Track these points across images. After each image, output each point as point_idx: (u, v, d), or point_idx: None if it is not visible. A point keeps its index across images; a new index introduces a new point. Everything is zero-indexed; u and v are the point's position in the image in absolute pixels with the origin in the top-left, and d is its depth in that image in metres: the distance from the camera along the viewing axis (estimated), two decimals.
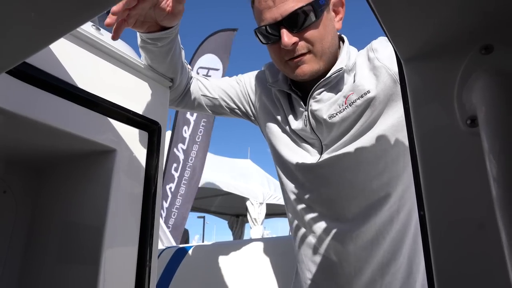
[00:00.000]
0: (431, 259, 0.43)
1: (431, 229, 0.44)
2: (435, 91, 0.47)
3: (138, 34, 0.95)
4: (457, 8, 0.41)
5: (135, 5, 0.82)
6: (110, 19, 0.79)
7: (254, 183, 7.00)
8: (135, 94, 0.90)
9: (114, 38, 0.82)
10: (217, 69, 4.55)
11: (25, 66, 0.67)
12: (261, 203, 6.80)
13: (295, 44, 0.95)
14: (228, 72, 5.47)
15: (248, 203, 6.72)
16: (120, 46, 0.88)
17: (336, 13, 1.03)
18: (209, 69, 4.55)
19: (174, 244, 3.21)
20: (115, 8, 0.79)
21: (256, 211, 6.70)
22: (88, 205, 0.82)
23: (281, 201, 7.34)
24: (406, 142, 0.99)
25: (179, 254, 1.81)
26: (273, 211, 7.74)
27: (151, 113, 0.91)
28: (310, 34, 0.96)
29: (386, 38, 0.99)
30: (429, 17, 0.42)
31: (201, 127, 4.51)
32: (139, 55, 0.97)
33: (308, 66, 0.99)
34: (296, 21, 0.94)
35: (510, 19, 0.39)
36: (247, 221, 7.35)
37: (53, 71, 0.71)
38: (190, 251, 1.80)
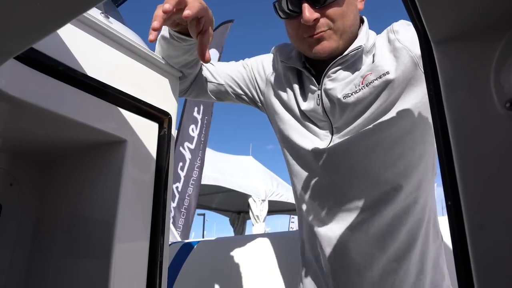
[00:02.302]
0: (469, 255, 0.40)
1: (469, 226, 0.40)
2: (469, 73, 0.44)
3: (167, 28, 0.93)
4: None
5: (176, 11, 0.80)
6: (153, 35, 0.77)
7: (256, 180, 6.97)
8: (145, 84, 0.87)
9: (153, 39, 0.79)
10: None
11: (34, 52, 0.64)
12: (263, 200, 6.79)
13: (317, 20, 0.92)
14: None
15: (250, 200, 6.70)
16: (130, 36, 0.85)
17: None
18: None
19: (179, 239, 3.19)
20: (156, 25, 0.77)
21: (258, 208, 6.68)
22: (98, 198, 0.80)
23: (283, 198, 7.37)
24: (423, 129, 0.96)
25: (185, 250, 1.79)
26: (273, 208, 7.72)
27: (161, 103, 0.88)
28: (332, 11, 0.93)
29: (407, 22, 0.97)
30: None
31: (204, 125, 4.49)
32: (146, 44, 0.95)
33: (328, 43, 0.95)
34: None
35: None
36: (249, 218, 7.33)
37: (62, 58, 0.69)
38: (196, 247, 1.79)
